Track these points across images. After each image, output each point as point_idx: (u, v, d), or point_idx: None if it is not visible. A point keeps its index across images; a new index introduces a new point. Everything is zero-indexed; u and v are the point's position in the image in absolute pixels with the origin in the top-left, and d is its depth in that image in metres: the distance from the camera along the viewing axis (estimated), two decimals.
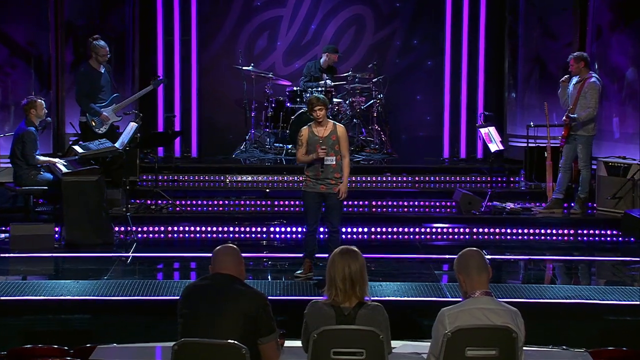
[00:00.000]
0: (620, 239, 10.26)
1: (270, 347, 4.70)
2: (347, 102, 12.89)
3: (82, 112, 10.82)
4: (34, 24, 11.77)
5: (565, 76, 10.59)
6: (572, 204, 10.77)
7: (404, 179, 11.89)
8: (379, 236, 10.38)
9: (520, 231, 10.40)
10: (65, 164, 10.01)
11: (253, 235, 10.28)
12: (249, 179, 11.81)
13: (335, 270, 4.66)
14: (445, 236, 10.42)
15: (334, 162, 8.14)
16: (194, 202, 11.05)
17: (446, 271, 8.82)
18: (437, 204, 11.15)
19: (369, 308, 4.68)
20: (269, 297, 4.83)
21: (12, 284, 7.98)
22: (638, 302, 7.49)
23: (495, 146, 11.10)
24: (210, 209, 11.03)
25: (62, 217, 9.64)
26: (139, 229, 10.16)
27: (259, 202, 11.07)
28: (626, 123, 11.60)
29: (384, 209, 11.08)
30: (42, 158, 10.05)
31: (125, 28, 12.72)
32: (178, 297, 4.84)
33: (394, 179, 11.87)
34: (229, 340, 4.50)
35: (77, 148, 10.16)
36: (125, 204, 10.30)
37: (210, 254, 4.88)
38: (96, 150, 10.12)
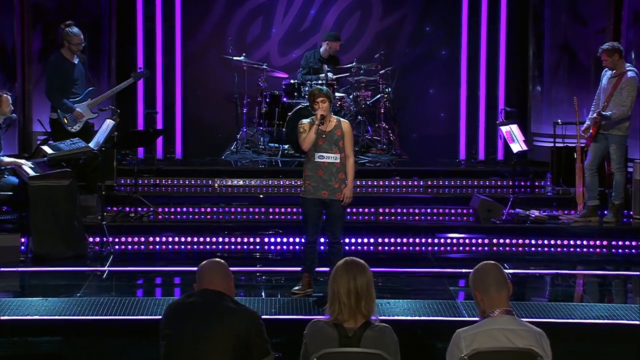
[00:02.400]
0: None
1: None
2: (351, 96, 12.91)
3: (52, 108, 10.83)
4: None
5: (585, 126, 10.58)
6: (605, 212, 10.77)
7: (415, 183, 11.90)
8: (386, 248, 10.38)
9: (546, 242, 10.40)
10: (33, 166, 10.01)
11: (245, 247, 10.28)
12: (241, 183, 11.82)
13: (339, 283, 4.68)
14: (461, 248, 10.43)
15: (338, 160, 8.15)
16: (179, 209, 11.05)
17: (462, 287, 8.82)
18: (453, 211, 11.16)
19: (375, 329, 4.69)
20: (263, 317, 4.84)
21: None
22: None
23: (517, 146, 11.11)
24: (196, 217, 11.03)
25: (28, 227, 9.64)
26: (116, 240, 10.17)
27: (251, 210, 11.07)
28: None
29: (393, 217, 11.09)
30: (6, 159, 10.06)
31: (101, 12, 12.74)
32: (160, 317, 4.85)
33: (404, 183, 11.88)
34: None
35: (47, 148, 10.16)
36: (100, 212, 10.31)
37: (195, 268, 4.89)
38: (68, 151, 10.12)
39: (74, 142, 10.23)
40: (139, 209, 10.81)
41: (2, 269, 9.17)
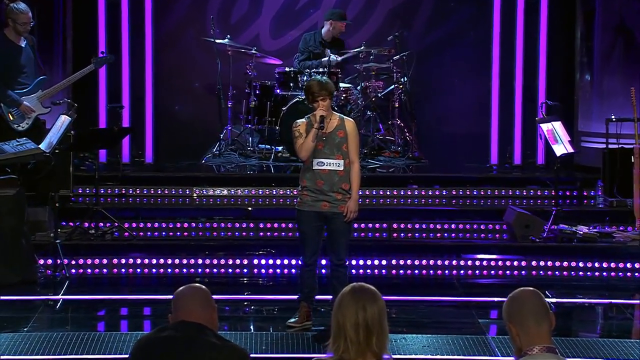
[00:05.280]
0: None
1: None
2: (359, 87, 12.92)
3: None
4: None
5: None
6: None
7: (437, 193, 11.91)
8: (402, 271, 10.40)
9: (596, 265, 10.41)
10: None
11: (230, 270, 10.30)
12: (225, 193, 11.83)
13: (345, 314, 4.68)
14: (493, 272, 10.44)
15: (342, 168, 8.15)
16: (149, 225, 11.06)
17: (494, 320, 8.84)
18: (482, 227, 11.17)
19: None
20: (252, 355, 4.85)
21: None
22: None
23: (562, 148, 11.13)
24: (171, 234, 11.04)
25: None
26: (73, 262, 10.17)
27: (238, 225, 11.08)
28: None
29: (409, 234, 11.10)
30: None
31: None
32: (127, 355, 4.86)
33: (423, 193, 11.89)
34: None
35: None
36: (53, 228, 10.32)
37: (170, 296, 4.90)
38: (14, 154, 10.13)
39: (21, 142, 10.24)
40: (101, 224, 10.82)
41: None
